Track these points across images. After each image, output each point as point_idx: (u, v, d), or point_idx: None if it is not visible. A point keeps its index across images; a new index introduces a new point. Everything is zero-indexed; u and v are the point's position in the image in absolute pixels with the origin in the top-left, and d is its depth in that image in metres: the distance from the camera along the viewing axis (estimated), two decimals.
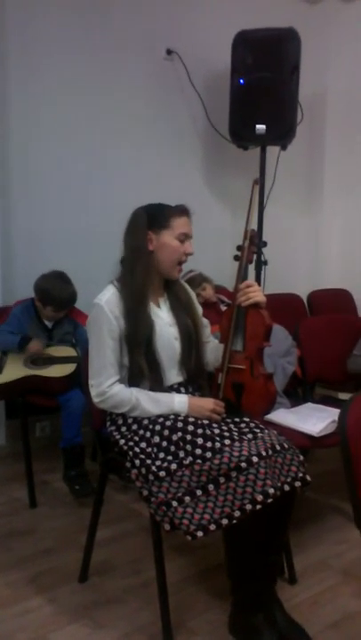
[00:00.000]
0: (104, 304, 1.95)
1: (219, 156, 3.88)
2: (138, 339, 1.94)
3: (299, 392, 3.02)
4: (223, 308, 3.30)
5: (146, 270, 1.97)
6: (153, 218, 1.98)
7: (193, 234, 2.03)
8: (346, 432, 1.47)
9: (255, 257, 3.62)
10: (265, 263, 3.70)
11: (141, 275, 1.97)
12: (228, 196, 3.93)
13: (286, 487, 1.78)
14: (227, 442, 1.81)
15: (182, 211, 2.01)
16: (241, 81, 3.47)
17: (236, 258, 2.04)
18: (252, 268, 3.67)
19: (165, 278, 2.07)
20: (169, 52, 3.68)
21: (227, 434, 1.86)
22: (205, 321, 2.21)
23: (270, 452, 1.79)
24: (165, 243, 1.98)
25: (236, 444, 1.81)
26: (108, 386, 1.95)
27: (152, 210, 2.00)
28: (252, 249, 2.02)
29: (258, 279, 3.67)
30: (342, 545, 2.40)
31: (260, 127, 3.43)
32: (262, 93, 3.44)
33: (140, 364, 1.94)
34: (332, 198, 4.38)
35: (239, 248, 2.03)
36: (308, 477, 1.83)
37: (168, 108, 3.72)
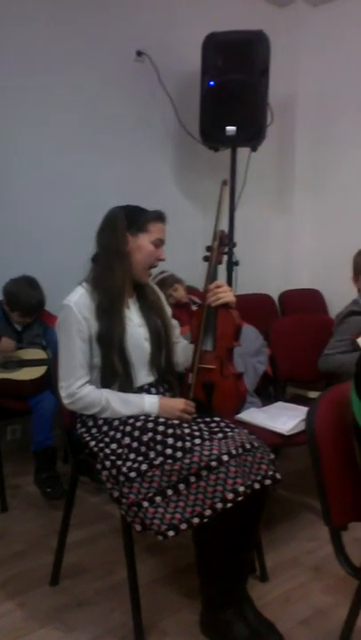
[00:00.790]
0: (73, 305, 1.94)
1: (190, 157, 3.90)
2: (112, 338, 1.94)
3: (271, 391, 3.04)
4: (195, 308, 3.31)
5: (123, 271, 1.99)
6: (132, 220, 2.00)
7: (165, 234, 2.05)
8: (314, 430, 1.49)
9: (227, 257, 3.65)
10: (236, 264, 3.72)
11: (120, 275, 1.98)
12: (200, 197, 3.94)
13: (257, 485, 1.79)
14: (197, 441, 1.82)
15: (160, 216, 2.04)
16: (211, 83, 3.49)
17: (206, 259, 2.05)
18: (223, 269, 3.68)
19: (135, 281, 2.07)
20: (139, 53, 3.68)
21: (197, 433, 1.86)
22: (175, 322, 2.22)
23: (240, 451, 1.80)
24: (141, 246, 2.00)
25: (207, 443, 1.81)
26: (78, 387, 1.94)
27: (131, 212, 2.02)
28: (221, 250, 2.03)
29: (229, 279, 3.68)
30: (313, 542, 2.43)
31: (231, 129, 3.45)
32: (232, 95, 3.46)
33: (114, 364, 1.94)
34: (302, 199, 4.42)
35: (209, 249, 2.04)
36: (278, 475, 1.85)
37: (139, 109, 3.72)
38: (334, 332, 2.84)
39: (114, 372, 1.95)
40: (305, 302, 4.08)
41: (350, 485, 1.51)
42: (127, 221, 1.99)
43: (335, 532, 1.49)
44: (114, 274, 1.97)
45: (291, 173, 4.41)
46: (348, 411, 1.50)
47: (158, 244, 2.03)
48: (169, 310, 2.21)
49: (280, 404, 2.62)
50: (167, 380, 2.11)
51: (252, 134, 3.54)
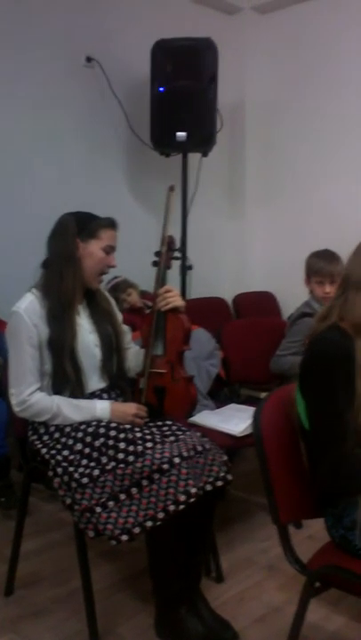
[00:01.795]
0: (22, 312, 1.93)
1: (141, 162, 3.91)
2: (63, 344, 1.93)
3: (226, 393, 3.08)
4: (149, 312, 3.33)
5: (74, 276, 1.98)
6: (82, 226, 2.00)
7: (118, 239, 2.05)
8: (260, 430, 1.53)
9: (180, 262, 3.68)
10: (190, 268, 3.76)
11: (70, 281, 1.97)
12: (152, 202, 3.96)
13: (208, 487, 1.81)
14: (149, 445, 1.83)
15: (111, 223, 2.05)
16: (161, 89, 3.51)
17: (155, 263, 2.07)
18: (177, 273, 3.71)
19: (86, 287, 2.07)
20: (89, 59, 3.68)
21: (149, 437, 1.88)
22: (126, 327, 2.23)
23: (192, 453, 1.82)
24: (91, 252, 2.00)
25: (158, 446, 1.83)
26: (29, 394, 1.93)
27: (81, 218, 2.02)
28: (169, 254, 2.05)
29: (183, 284, 3.71)
30: (268, 541, 2.46)
31: (181, 134, 3.47)
32: (182, 101, 3.49)
33: (66, 370, 1.94)
34: (253, 203, 4.49)
35: (157, 254, 2.06)
36: (230, 477, 1.87)
37: (89, 115, 3.71)
38: (286, 334, 2.89)
39: (65, 378, 1.95)
40: (258, 305, 4.14)
41: (297, 484, 1.55)
42: (78, 228, 1.99)
43: (283, 531, 1.52)
44: (63, 280, 1.97)
45: (242, 178, 4.47)
46: (293, 411, 1.55)
47: (109, 250, 2.04)
48: (120, 316, 2.22)
49: (233, 405, 2.65)
50: (119, 385, 2.12)
51: (203, 140, 3.58)
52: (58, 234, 2.02)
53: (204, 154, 3.75)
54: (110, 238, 2.04)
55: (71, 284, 1.97)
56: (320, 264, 2.79)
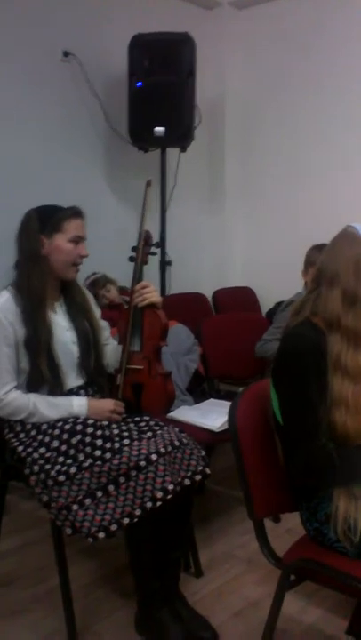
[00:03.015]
0: None
1: (120, 158, 3.88)
2: (38, 343, 1.91)
3: (205, 388, 3.08)
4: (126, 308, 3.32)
5: (41, 275, 1.95)
6: (45, 221, 1.95)
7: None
8: (236, 425, 1.53)
9: (160, 257, 3.68)
10: (169, 263, 3.75)
11: (37, 280, 1.94)
12: (131, 198, 3.93)
13: (187, 482, 1.82)
14: (126, 441, 1.83)
15: (75, 213, 1.99)
16: (139, 84, 3.49)
17: (132, 259, 2.06)
18: (156, 269, 3.70)
19: (62, 280, 2.05)
20: (66, 53, 3.64)
21: (126, 433, 1.87)
22: (104, 323, 2.22)
23: (169, 449, 1.82)
24: (58, 246, 1.96)
25: (135, 443, 1.82)
26: (4, 393, 1.91)
27: (44, 213, 1.97)
28: (146, 250, 2.04)
29: (162, 279, 3.71)
30: (246, 535, 2.47)
31: (159, 129, 3.46)
32: (160, 96, 3.47)
33: (42, 369, 1.92)
34: (233, 199, 4.49)
35: (134, 249, 2.05)
36: (208, 470, 1.88)
37: (67, 110, 3.67)
38: (274, 320, 2.89)
39: (41, 376, 1.93)
40: (238, 300, 4.15)
41: (273, 478, 1.55)
42: (41, 223, 1.95)
43: (259, 525, 1.53)
44: (30, 279, 1.94)
45: (221, 174, 4.47)
46: (268, 406, 1.55)
47: (77, 240, 1.98)
48: (98, 311, 2.20)
49: (211, 400, 2.65)
50: (97, 381, 2.10)
51: (181, 135, 3.56)
52: (22, 232, 1.98)
53: (183, 149, 3.74)
54: (76, 228, 1.98)
55: (38, 284, 1.94)
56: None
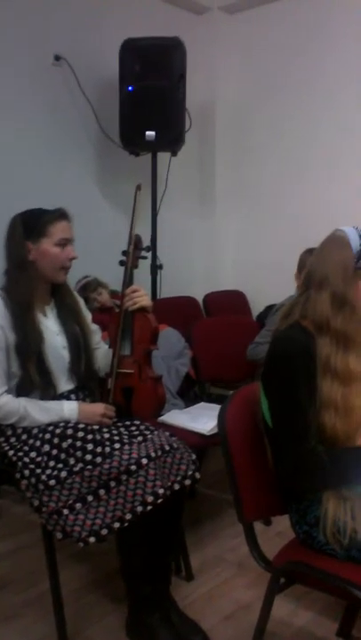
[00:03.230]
0: None
1: (111, 162, 3.89)
2: (28, 348, 1.91)
3: (196, 391, 3.09)
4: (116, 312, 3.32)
5: (28, 282, 1.95)
6: (30, 227, 1.94)
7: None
8: (225, 429, 1.53)
9: (151, 261, 3.68)
10: (160, 267, 3.75)
11: (24, 286, 1.94)
12: (122, 202, 3.93)
13: (176, 486, 1.82)
14: (117, 446, 1.83)
15: (60, 215, 1.97)
16: (130, 88, 3.50)
17: (122, 263, 2.06)
18: (147, 273, 3.71)
19: (52, 284, 2.05)
20: (57, 58, 3.65)
21: (117, 438, 1.87)
22: (95, 327, 2.22)
23: (160, 453, 1.83)
24: (45, 251, 1.94)
25: (126, 447, 1.82)
26: None
27: (28, 218, 1.96)
28: (136, 254, 2.05)
29: (153, 283, 3.71)
30: (237, 539, 2.47)
31: (150, 134, 3.47)
32: (151, 101, 3.48)
33: (31, 374, 1.92)
34: (224, 202, 4.50)
35: (124, 253, 2.05)
36: (198, 475, 1.88)
37: (58, 114, 3.68)
38: (266, 323, 2.90)
39: (31, 381, 1.93)
40: (229, 304, 4.16)
41: (263, 481, 1.56)
42: (25, 229, 1.94)
43: (249, 528, 1.54)
44: (18, 286, 1.93)
45: (212, 178, 4.48)
46: (258, 409, 1.56)
47: (64, 243, 1.96)
48: (88, 315, 2.20)
49: (202, 404, 2.66)
50: (88, 386, 2.10)
51: (172, 139, 3.58)
52: (9, 238, 1.97)
53: (174, 153, 3.75)
54: (62, 231, 1.96)
55: (25, 291, 1.93)
56: None
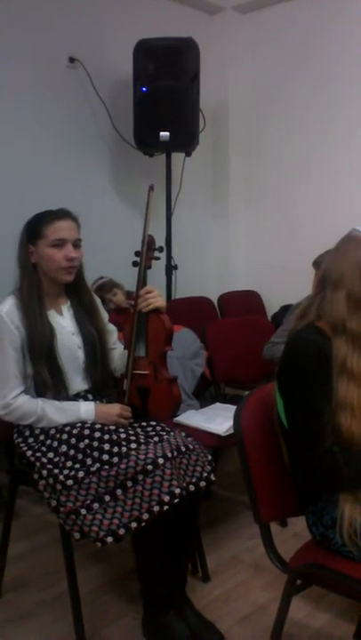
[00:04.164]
0: (4, 315, 1.93)
1: (126, 162, 3.91)
2: (37, 349, 1.92)
3: (211, 392, 3.09)
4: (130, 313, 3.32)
5: (31, 285, 1.97)
6: (30, 230, 1.98)
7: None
8: (241, 429, 1.53)
9: (166, 262, 3.69)
10: (175, 267, 3.76)
11: (27, 289, 1.97)
12: (137, 202, 3.94)
13: (191, 487, 1.82)
14: (133, 445, 1.83)
15: (58, 216, 1.97)
16: (143, 89, 3.51)
17: (135, 264, 2.06)
18: (162, 273, 3.72)
19: (68, 284, 2.05)
20: (72, 59, 3.67)
21: (133, 438, 1.88)
22: (112, 327, 2.22)
23: (175, 454, 1.83)
24: (42, 253, 1.97)
25: (142, 447, 1.83)
26: (13, 398, 1.93)
27: (31, 221, 2.00)
28: (149, 255, 2.05)
29: (168, 284, 3.72)
30: (254, 540, 2.47)
31: (164, 134, 3.48)
32: (165, 101, 3.50)
33: (43, 375, 1.93)
34: (238, 202, 4.50)
35: (138, 254, 2.06)
36: (213, 477, 1.88)
37: (73, 115, 3.70)
38: (283, 322, 2.89)
39: (43, 381, 1.94)
40: (244, 304, 4.15)
41: (279, 482, 1.55)
42: (27, 232, 1.98)
43: (265, 529, 1.53)
44: (22, 289, 1.97)
45: (226, 178, 4.48)
46: (273, 409, 1.55)
47: (59, 244, 1.95)
48: (106, 316, 2.21)
49: (217, 404, 2.65)
50: (103, 386, 2.11)
51: (186, 140, 3.59)
52: (19, 243, 2.01)
53: (188, 153, 3.76)
54: (57, 231, 1.94)
55: (29, 294, 1.96)
56: None
